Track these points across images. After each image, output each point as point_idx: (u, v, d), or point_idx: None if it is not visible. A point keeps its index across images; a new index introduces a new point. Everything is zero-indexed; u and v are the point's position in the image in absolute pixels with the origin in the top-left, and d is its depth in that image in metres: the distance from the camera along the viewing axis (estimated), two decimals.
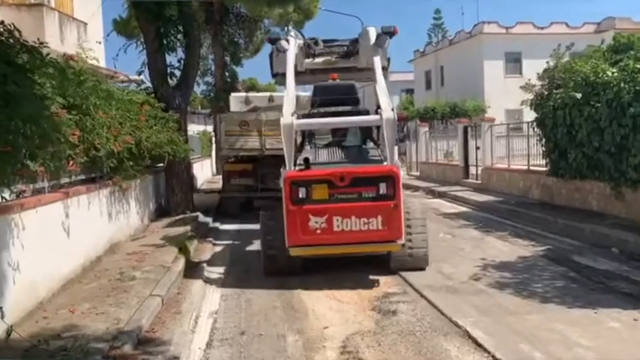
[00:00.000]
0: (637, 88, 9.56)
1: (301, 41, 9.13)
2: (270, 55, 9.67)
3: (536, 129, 13.01)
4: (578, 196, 11.90)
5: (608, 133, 10.24)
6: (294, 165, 7.19)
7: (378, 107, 7.35)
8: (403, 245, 7.17)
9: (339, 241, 6.83)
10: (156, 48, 12.68)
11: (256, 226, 8.12)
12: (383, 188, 6.74)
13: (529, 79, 13.15)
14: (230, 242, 10.68)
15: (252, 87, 29.64)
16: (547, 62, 12.97)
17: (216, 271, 8.33)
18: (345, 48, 9.24)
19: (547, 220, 11.25)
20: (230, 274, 8.20)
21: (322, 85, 9.00)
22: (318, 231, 6.73)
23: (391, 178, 6.81)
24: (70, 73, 7.06)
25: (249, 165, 12.81)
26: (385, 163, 7.15)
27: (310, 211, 6.73)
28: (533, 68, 31.50)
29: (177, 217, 12.09)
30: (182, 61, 13.66)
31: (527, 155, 14.56)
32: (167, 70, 13.34)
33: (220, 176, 15.63)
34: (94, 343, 4.84)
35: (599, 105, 10.44)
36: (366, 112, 8.46)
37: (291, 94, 7.76)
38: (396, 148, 7.32)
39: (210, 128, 26.74)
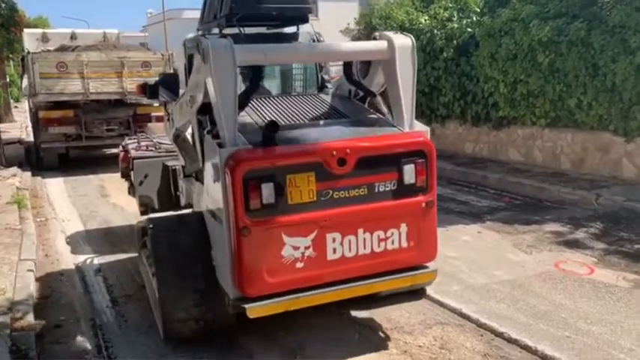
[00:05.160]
0: (447, 34, 10.99)
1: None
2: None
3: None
4: None
5: (422, 75, 11.62)
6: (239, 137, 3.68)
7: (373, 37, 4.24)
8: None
9: (336, 278, 3.77)
10: None
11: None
12: (409, 174, 3.86)
13: (348, 24, 14.02)
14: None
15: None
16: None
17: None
18: None
19: None
20: None
21: None
22: (300, 264, 3.65)
23: (422, 155, 3.90)
24: None
25: (70, 111, 11.67)
26: (399, 129, 4.05)
27: (285, 227, 3.60)
28: (328, 11, 33.59)
29: None
30: None
31: None
32: None
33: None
34: None
35: None
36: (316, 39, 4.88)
37: None
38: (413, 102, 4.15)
39: None
